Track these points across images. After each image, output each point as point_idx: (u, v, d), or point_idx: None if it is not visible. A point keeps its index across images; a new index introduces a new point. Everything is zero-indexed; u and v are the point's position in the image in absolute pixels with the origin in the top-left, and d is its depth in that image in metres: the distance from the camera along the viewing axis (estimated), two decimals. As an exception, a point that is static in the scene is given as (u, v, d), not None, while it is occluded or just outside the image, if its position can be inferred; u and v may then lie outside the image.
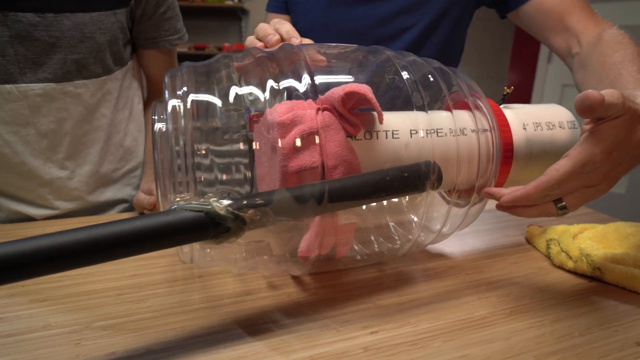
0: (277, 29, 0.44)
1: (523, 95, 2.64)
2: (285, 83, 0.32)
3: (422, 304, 0.37)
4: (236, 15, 3.42)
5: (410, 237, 0.41)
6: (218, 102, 0.32)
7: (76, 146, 0.62)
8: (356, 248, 0.41)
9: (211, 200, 0.29)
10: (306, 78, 0.32)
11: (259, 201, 0.29)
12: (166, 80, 0.33)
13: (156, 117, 0.32)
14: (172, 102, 0.32)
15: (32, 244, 0.24)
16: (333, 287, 0.39)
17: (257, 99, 0.32)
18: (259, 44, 0.43)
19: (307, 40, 0.43)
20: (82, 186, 0.64)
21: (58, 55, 0.57)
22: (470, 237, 0.50)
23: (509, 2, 0.64)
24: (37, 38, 0.55)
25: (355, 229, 0.39)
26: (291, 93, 0.34)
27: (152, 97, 0.75)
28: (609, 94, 0.31)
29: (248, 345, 0.31)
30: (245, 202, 0.29)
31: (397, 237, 0.42)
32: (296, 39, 0.42)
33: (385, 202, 0.40)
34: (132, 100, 0.70)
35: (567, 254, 0.42)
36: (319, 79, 0.33)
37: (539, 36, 0.63)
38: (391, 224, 0.43)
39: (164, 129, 0.32)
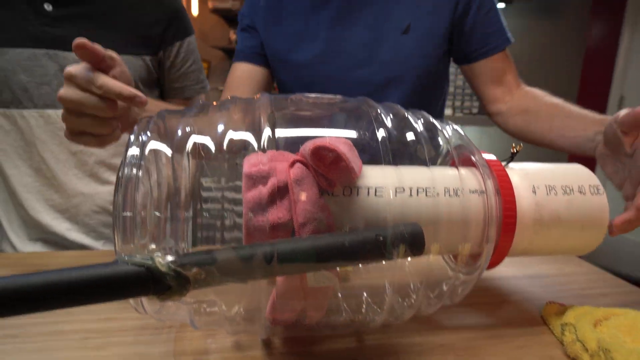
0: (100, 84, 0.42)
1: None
2: (242, 135, 0.31)
3: (397, 385, 0.32)
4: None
5: (406, 303, 0.37)
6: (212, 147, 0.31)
7: (100, 167, 0.72)
8: (336, 312, 0.37)
9: (154, 255, 0.27)
10: (267, 131, 0.30)
11: (203, 259, 0.27)
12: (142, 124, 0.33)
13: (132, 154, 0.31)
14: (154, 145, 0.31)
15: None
16: (304, 356, 0.36)
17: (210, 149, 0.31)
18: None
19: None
20: (102, 203, 0.74)
21: None
22: (473, 310, 0.44)
23: (468, 57, 0.74)
24: None
25: (333, 291, 0.36)
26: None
27: None
28: None
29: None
30: (188, 259, 0.27)
31: (386, 300, 0.38)
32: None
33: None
34: None
35: (583, 345, 0.35)
36: (283, 132, 0.31)
37: (480, 85, 0.75)
38: (387, 287, 0.39)
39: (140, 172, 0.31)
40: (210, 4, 2.80)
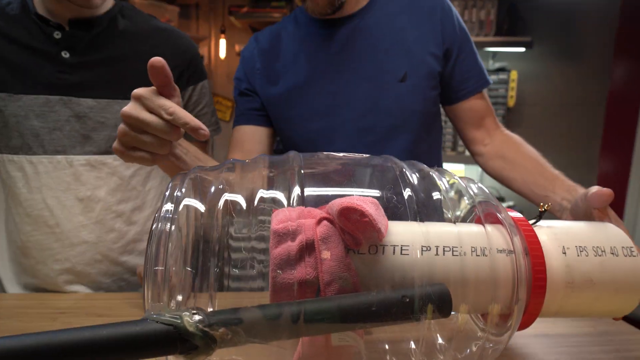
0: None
1: (618, 187, 2.39)
2: (272, 193, 0.31)
3: None
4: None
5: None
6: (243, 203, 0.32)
7: (106, 213, 0.70)
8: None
9: (183, 313, 0.28)
10: (296, 189, 0.31)
11: (230, 319, 0.27)
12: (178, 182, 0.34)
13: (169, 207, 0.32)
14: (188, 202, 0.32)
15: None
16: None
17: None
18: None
19: None
20: (105, 251, 0.71)
21: (104, 132, 0.68)
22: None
23: (449, 99, 0.79)
24: (91, 117, 0.67)
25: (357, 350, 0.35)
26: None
27: None
28: None
29: None
30: (215, 319, 0.27)
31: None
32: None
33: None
34: (166, 181, 0.78)
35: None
36: (312, 191, 0.32)
37: (462, 128, 0.80)
38: (413, 347, 0.38)
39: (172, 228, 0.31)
40: (237, 48, 2.92)
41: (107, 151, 0.69)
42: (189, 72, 0.76)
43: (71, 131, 0.67)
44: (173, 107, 0.42)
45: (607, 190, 0.44)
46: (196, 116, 0.76)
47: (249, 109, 0.80)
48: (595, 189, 0.46)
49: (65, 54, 0.66)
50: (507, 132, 0.78)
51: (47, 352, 0.25)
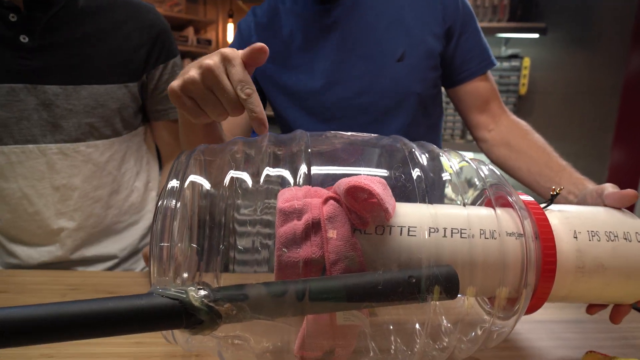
0: (235, 81, 0.40)
1: (629, 179, 2.36)
2: (279, 171, 0.31)
3: None
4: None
5: (438, 346, 0.36)
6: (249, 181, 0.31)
7: (84, 200, 0.69)
8: (365, 352, 0.36)
9: (189, 288, 0.28)
10: (303, 167, 0.31)
11: (235, 295, 0.27)
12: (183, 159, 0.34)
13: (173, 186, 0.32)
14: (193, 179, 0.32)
15: (3, 315, 0.24)
16: (331, 394, 0.35)
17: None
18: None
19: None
20: (86, 236, 0.71)
21: (74, 119, 0.66)
22: (510, 353, 0.43)
23: (452, 80, 0.76)
24: (58, 105, 0.65)
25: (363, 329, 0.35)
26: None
27: (164, 163, 0.82)
28: None
29: None
30: (220, 294, 0.27)
31: (417, 343, 0.37)
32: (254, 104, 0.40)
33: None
34: (141, 160, 0.78)
35: (629, 400, 0.33)
36: (318, 169, 0.32)
37: (465, 112, 0.77)
38: (418, 329, 0.38)
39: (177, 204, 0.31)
40: (246, 32, 2.89)
41: (79, 138, 0.68)
42: (158, 49, 0.72)
43: (39, 120, 0.65)
44: (252, 89, 0.40)
45: (631, 192, 0.41)
46: (167, 96, 0.73)
47: None
48: (610, 187, 0.43)
49: (24, 38, 0.63)
50: (514, 117, 0.74)
51: (56, 322, 0.25)
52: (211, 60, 0.40)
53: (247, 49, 0.41)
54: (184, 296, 0.27)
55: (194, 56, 2.91)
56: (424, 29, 0.71)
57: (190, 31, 2.90)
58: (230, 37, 2.96)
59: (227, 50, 0.41)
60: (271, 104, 0.79)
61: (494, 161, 0.74)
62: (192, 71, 0.41)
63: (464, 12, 0.73)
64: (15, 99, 0.64)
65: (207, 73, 0.40)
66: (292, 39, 0.74)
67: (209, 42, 2.97)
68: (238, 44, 0.78)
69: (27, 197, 0.67)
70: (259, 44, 0.40)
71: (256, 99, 0.40)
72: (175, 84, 0.42)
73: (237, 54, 0.40)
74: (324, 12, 0.72)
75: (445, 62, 0.74)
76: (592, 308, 0.41)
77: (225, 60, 0.40)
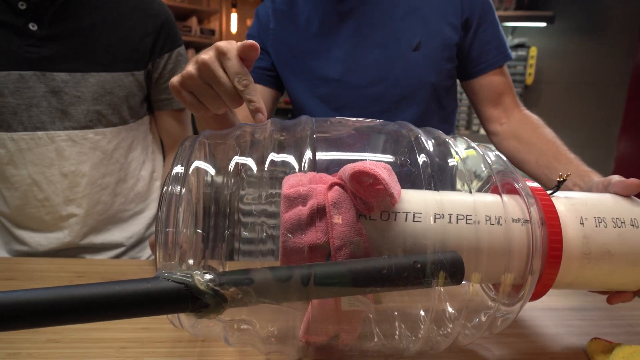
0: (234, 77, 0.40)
1: (636, 169, 2.34)
2: (284, 157, 0.31)
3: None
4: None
5: (442, 332, 0.36)
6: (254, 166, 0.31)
7: (92, 187, 0.71)
8: (370, 337, 0.36)
9: (194, 272, 0.28)
10: (308, 153, 0.30)
11: (241, 279, 0.27)
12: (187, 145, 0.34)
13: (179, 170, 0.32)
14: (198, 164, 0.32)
15: (8, 298, 0.25)
16: (335, 378, 0.35)
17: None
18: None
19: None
20: (94, 223, 0.72)
21: (83, 106, 0.67)
22: (514, 339, 0.43)
23: (467, 72, 0.76)
24: (67, 92, 0.66)
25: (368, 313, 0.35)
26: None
27: (167, 153, 0.84)
28: None
29: None
30: (226, 278, 0.27)
31: (421, 329, 0.37)
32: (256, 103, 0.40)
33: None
34: (147, 149, 0.79)
35: (633, 386, 0.33)
36: (323, 155, 0.32)
37: (478, 104, 0.77)
38: (422, 315, 0.38)
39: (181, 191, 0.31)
40: (248, 22, 2.88)
41: (87, 125, 0.69)
42: (163, 38, 0.73)
43: (49, 107, 0.66)
44: (249, 80, 0.40)
45: (635, 181, 0.40)
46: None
47: (258, 67, 0.78)
48: (616, 178, 0.42)
49: (33, 26, 0.64)
50: (527, 112, 0.74)
51: (63, 305, 0.26)
52: (207, 55, 0.41)
53: (240, 44, 0.41)
54: (190, 280, 0.27)
55: (197, 46, 2.90)
56: (441, 18, 0.71)
57: (193, 21, 2.89)
58: (233, 27, 2.94)
59: (222, 44, 0.41)
60: (287, 91, 0.80)
61: (503, 153, 0.73)
62: (190, 66, 0.42)
63: (482, 4, 0.72)
64: (24, 86, 0.65)
65: (203, 68, 0.41)
66: (309, 26, 0.74)
67: (212, 32, 2.95)
68: (256, 30, 0.79)
69: (36, 184, 0.68)
70: (250, 42, 0.40)
71: (253, 90, 0.40)
72: (175, 79, 0.43)
73: (232, 47, 0.41)
74: (340, 2, 0.72)
75: (461, 53, 0.74)
76: (613, 298, 0.41)
77: (221, 54, 0.41)
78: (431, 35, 0.71)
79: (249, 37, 0.80)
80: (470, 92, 0.78)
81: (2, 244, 0.73)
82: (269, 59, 0.79)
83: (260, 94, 0.76)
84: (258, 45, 0.40)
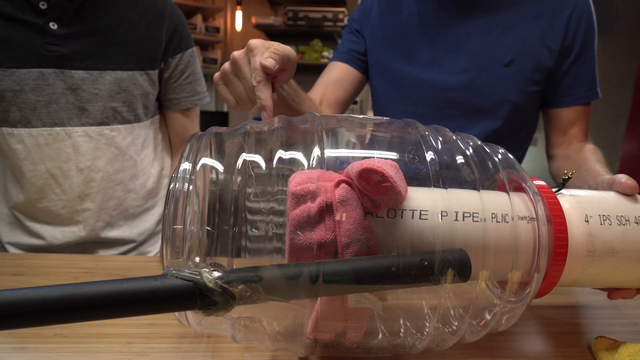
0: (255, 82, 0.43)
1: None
2: (292, 154, 0.31)
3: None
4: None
5: (447, 330, 0.36)
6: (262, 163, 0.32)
7: (106, 182, 0.73)
8: (377, 334, 0.37)
9: (202, 270, 0.28)
10: (316, 150, 0.31)
11: (249, 277, 0.28)
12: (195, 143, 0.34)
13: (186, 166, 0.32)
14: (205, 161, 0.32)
15: (18, 295, 0.25)
16: (341, 375, 0.36)
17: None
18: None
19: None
20: (107, 218, 0.75)
21: (99, 103, 0.70)
22: (517, 338, 0.43)
23: (555, 101, 0.75)
24: (84, 90, 0.69)
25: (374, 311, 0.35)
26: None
27: (174, 152, 0.86)
28: None
29: None
30: (235, 276, 0.28)
31: (426, 326, 0.37)
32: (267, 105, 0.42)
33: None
34: (157, 148, 0.81)
35: (639, 384, 0.33)
36: (331, 152, 0.32)
37: (549, 130, 0.77)
38: (428, 313, 0.38)
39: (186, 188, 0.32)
40: (253, 20, 2.87)
41: (104, 122, 0.71)
42: (176, 39, 0.76)
43: (67, 104, 0.69)
44: (263, 77, 0.43)
45: (634, 184, 0.41)
46: (179, 86, 0.78)
47: (351, 50, 0.80)
48: (622, 177, 0.42)
49: (53, 25, 0.67)
50: (588, 144, 0.72)
51: (71, 303, 0.26)
52: (238, 51, 0.45)
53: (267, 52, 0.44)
54: (198, 277, 0.28)
55: (202, 44, 2.90)
56: (540, 40, 0.70)
57: (198, 19, 2.89)
58: (238, 25, 2.94)
59: (253, 41, 0.45)
60: (370, 79, 0.82)
61: (551, 174, 0.76)
62: (226, 63, 0.46)
63: (587, 38, 0.71)
64: (44, 83, 0.67)
65: (233, 63, 0.45)
66: (410, 21, 0.75)
67: (217, 29, 2.95)
68: (359, 14, 0.81)
69: (53, 178, 0.70)
70: (272, 62, 0.43)
71: (264, 87, 0.43)
72: (216, 74, 0.47)
73: (260, 45, 0.44)
74: (445, 2, 0.73)
75: (551, 80, 0.73)
76: (613, 294, 0.41)
77: (249, 51, 0.44)
78: (525, 55, 0.70)
79: (350, 20, 0.83)
80: (545, 117, 0.77)
81: (12, 240, 0.75)
82: (364, 44, 0.80)
83: (347, 76, 0.80)
84: (273, 69, 0.43)
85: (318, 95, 0.77)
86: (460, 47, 0.72)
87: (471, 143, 0.36)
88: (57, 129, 0.69)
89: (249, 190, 0.31)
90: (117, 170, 0.74)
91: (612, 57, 2.54)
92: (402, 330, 0.36)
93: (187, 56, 0.78)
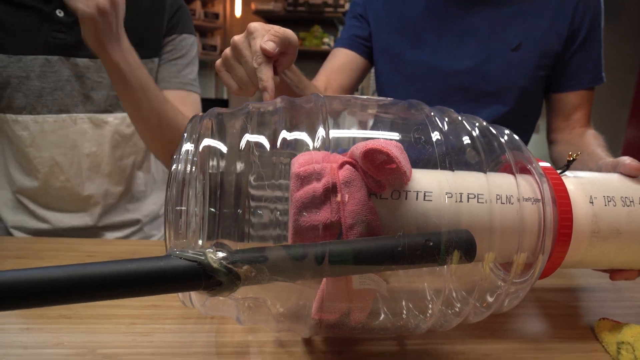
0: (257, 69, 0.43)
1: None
2: (296, 135, 0.31)
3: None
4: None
5: (451, 311, 0.36)
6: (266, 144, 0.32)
7: (111, 169, 0.74)
8: (380, 315, 0.37)
9: (207, 250, 0.28)
10: (320, 131, 0.30)
11: (254, 257, 0.28)
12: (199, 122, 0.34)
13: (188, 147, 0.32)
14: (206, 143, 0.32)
15: (22, 276, 0.25)
16: (344, 355, 0.36)
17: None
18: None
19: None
20: (113, 202, 0.76)
21: (103, 91, 0.70)
22: (520, 320, 0.43)
23: (560, 85, 0.74)
24: (89, 77, 0.69)
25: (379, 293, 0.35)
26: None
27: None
28: None
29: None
30: (239, 256, 0.28)
31: (430, 308, 0.37)
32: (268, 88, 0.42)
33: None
34: None
35: (642, 365, 0.33)
36: (336, 133, 0.31)
37: (551, 114, 0.76)
38: (429, 291, 0.38)
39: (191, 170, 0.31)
40: (253, 6, 2.84)
41: (107, 110, 0.72)
42: (174, 20, 0.76)
43: (72, 91, 0.69)
44: (263, 59, 0.42)
45: (637, 165, 0.41)
46: (164, 65, 0.76)
47: (355, 35, 0.80)
48: (626, 159, 0.42)
49: (60, 13, 0.67)
50: (590, 129, 0.73)
51: (76, 283, 0.26)
52: (238, 36, 0.45)
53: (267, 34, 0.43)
54: (203, 258, 0.27)
55: (201, 30, 2.88)
56: (548, 25, 0.70)
57: (197, 4, 2.86)
58: (238, 11, 2.91)
59: (252, 24, 0.44)
60: (375, 65, 0.81)
61: (552, 159, 0.76)
62: (227, 48, 0.46)
63: (593, 22, 0.70)
64: (50, 70, 0.68)
65: (234, 47, 0.44)
66: (416, 7, 0.74)
67: (216, 15, 2.92)
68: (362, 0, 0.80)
69: (58, 165, 0.71)
70: (272, 45, 0.42)
71: (265, 68, 0.42)
72: (217, 61, 0.47)
73: (260, 27, 0.44)
74: None
75: (557, 65, 0.72)
76: (616, 275, 0.41)
77: (249, 34, 0.44)
78: (533, 40, 0.70)
79: (354, 4, 0.82)
80: (547, 102, 0.77)
81: (18, 224, 0.75)
82: (368, 29, 0.79)
83: (351, 62, 0.80)
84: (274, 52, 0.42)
85: (322, 83, 0.76)
86: (467, 32, 0.71)
87: (477, 124, 0.36)
88: (63, 115, 0.69)
89: (253, 171, 0.31)
90: (120, 157, 0.75)
91: (617, 44, 2.51)
92: (404, 312, 0.36)
93: (179, 40, 0.77)
